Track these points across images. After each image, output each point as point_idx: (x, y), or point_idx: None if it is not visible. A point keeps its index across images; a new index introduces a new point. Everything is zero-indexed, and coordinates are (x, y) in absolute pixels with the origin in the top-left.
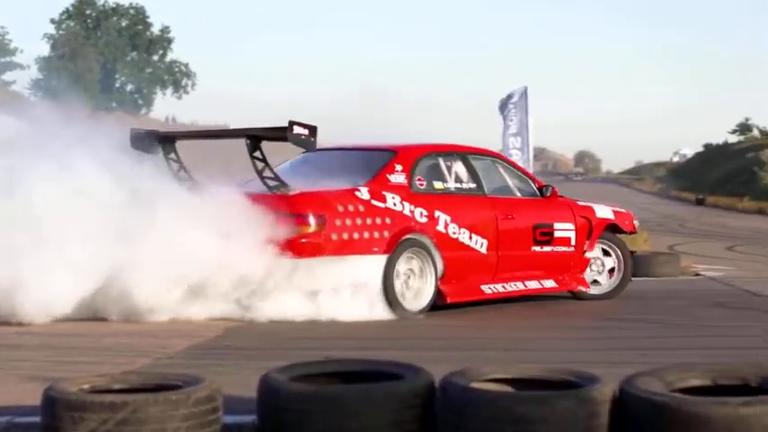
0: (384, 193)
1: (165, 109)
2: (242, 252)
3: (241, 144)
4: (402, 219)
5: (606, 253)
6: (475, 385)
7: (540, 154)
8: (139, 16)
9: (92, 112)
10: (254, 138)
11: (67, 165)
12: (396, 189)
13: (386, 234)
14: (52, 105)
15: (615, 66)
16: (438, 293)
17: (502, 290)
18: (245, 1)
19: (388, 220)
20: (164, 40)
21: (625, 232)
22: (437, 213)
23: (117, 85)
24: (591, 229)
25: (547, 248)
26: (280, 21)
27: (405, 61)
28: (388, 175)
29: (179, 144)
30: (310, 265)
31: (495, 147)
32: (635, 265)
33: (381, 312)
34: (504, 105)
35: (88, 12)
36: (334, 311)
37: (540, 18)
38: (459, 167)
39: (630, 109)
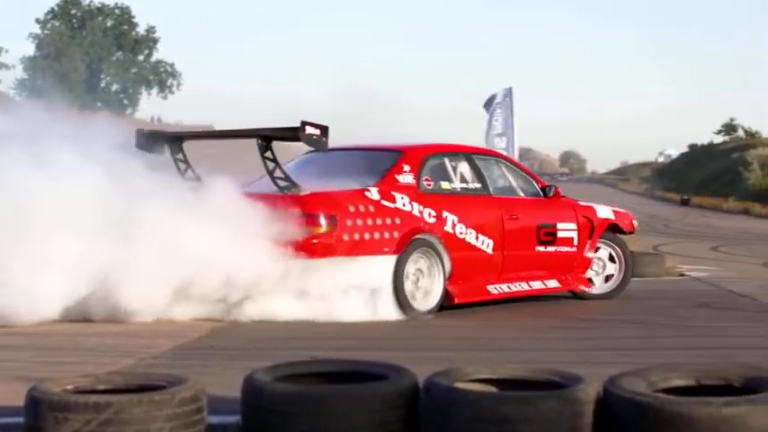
0: (393, 193)
1: (151, 109)
2: (251, 253)
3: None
4: (411, 219)
5: (608, 255)
6: (459, 385)
7: (525, 154)
8: (125, 16)
9: (77, 112)
10: (266, 138)
11: (57, 163)
12: (404, 189)
13: (396, 234)
14: (38, 105)
15: (601, 66)
16: (446, 294)
17: (507, 290)
18: (230, 1)
19: (397, 221)
20: (149, 40)
21: (625, 232)
22: (445, 213)
23: (102, 84)
24: (592, 229)
25: (550, 249)
26: (266, 20)
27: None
28: (396, 176)
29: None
30: (321, 266)
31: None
32: None
33: (391, 313)
34: (488, 106)
35: (73, 11)
36: (343, 312)
37: (525, 18)
38: (464, 167)
39: (616, 109)
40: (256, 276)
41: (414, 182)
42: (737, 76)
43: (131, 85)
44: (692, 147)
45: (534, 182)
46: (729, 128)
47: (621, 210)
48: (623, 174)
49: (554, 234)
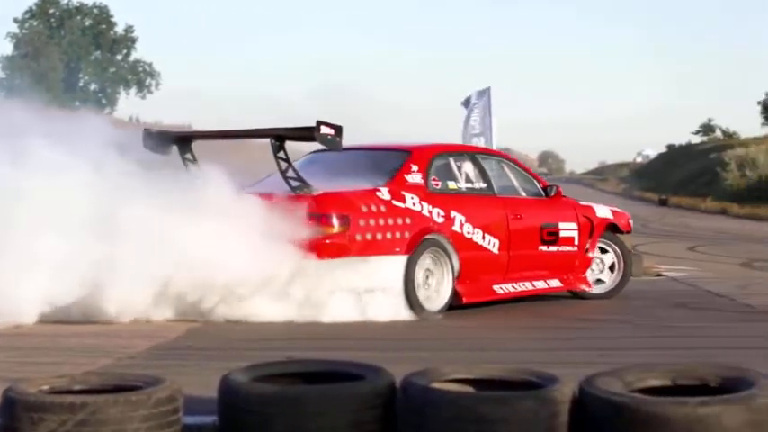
0: (403, 193)
1: (129, 109)
2: (265, 253)
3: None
4: (421, 219)
5: (604, 251)
6: (436, 385)
7: None
8: (103, 15)
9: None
10: (280, 138)
11: (40, 162)
12: (414, 189)
13: (406, 234)
14: (16, 104)
15: (579, 66)
16: (454, 294)
17: (512, 290)
18: (209, 1)
19: (408, 221)
20: (127, 40)
21: (622, 232)
22: (453, 213)
23: (80, 84)
24: (592, 229)
25: (553, 248)
26: (245, 20)
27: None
28: (405, 176)
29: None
30: (333, 267)
31: None
32: None
33: (402, 313)
34: (467, 104)
35: (52, 11)
36: (355, 313)
37: (502, 18)
38: (469, 167)
39: (594, 109)
40: (265, 277)
41: (422, 182)
42: (715, 77)
43: (110, 85)
44: (670, 147)
45: (536, 181)
46: (707, 128)
47: (618, 209)
48: (601, 174)
49: (556, 234)
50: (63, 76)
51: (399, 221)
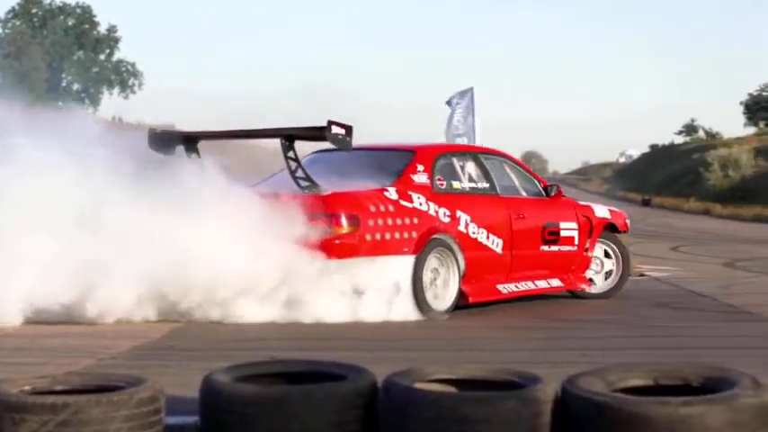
0: (410, 193)
1: (112, 108)
2: (277, 253)
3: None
4: (428, 219)
5: (605, 253)
6: (418, 386)
7: None
8: (86, 15)
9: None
10: (289, 137)
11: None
12: (420, 189)
13: (414, 234)
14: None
15: (561, 66)
16: (460, 294)
17: (515, 289)
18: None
19: (415, 221)
20: (110, 40)
21: (620, 231)
22: (458, 213)
23: (63, 84)
24: (591, 229)
25: (554, 248)
26: (228, 19)
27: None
28: (411, 176)
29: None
30: (342, 267)
31: None
32: None
33: (409, 313)
34: (450, 106)
35: (34, 10)
36: (362, 313)
37: (484, 19)
38: (471, 167)
39: (577, 109)
40: (275, 278)
41: (428, 182)
42: (698, 77)
43: (93, 85)
44: (653, 147)
45: (537, 181)
46: (690, 128)
47: (616, 209)
48: (585, 174)
49: (557, 233)
50: (46, 76)
51: (407, 221)
